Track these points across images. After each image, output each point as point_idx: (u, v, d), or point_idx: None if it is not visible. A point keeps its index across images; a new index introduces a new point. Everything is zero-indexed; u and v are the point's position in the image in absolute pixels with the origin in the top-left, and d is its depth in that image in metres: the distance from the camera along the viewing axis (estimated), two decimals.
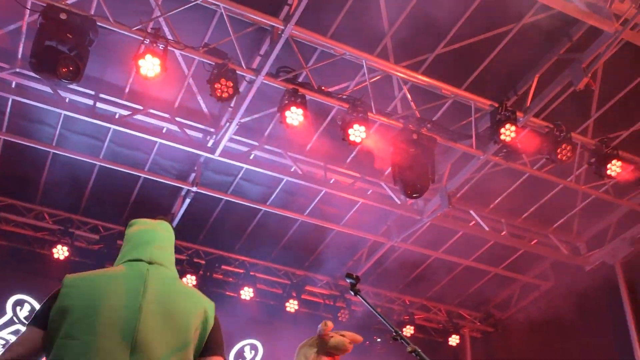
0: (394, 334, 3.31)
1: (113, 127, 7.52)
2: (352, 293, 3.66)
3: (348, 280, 3.64)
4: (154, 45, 6.15)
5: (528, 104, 7.30)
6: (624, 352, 9.07)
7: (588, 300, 9.81)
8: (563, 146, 7.28)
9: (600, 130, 7.84)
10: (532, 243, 9.92)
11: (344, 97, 7.11)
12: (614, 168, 7.54)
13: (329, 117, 7.82)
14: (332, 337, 3.68)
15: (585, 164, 8.08)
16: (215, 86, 6.40)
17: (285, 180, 8.55)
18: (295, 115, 6.72)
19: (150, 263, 2.66)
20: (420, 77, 7.12)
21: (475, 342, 12.04)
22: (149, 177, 8.46)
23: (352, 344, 3.71)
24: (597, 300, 9.80)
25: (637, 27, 6.47)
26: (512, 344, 11.40)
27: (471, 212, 9.29)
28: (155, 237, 2.80)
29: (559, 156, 7.29)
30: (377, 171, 8.65)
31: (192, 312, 2.56)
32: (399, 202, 8.82)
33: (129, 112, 7.53)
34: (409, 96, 7.28)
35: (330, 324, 3.73)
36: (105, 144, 8.08)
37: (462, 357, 11.88)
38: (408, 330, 10.81)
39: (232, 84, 6.43)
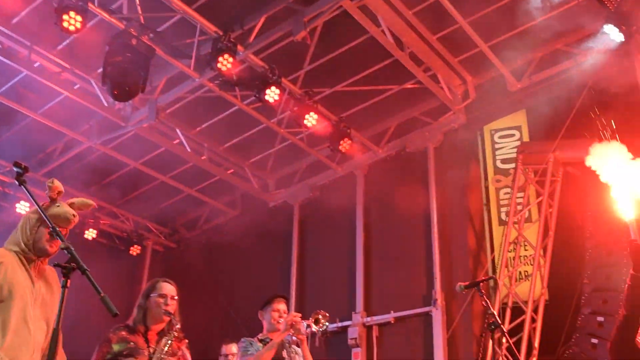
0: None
1: None
2: (17, 183, 3.50)
3: (15, 169, 3.46)
4: None
5: (250, 41, 7.58)
6: (284, 281, 10.14)
7: (267, 233, 10.72)
8: (272, 88, 7.73)
9: (308, 83, 8.50)
10: (228, 172, 10.45)
11: None
12: (311, 120, 8.27)
13: None
14: (56, 205, 3.33)
15: (288, 110, 8.70)
16: None
17: None
18: None
19: None
20: None
21: (157, 255, 12.36)
22: None
23: (77, 217, 3.37)
24: (274, 234, 10.75)
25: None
26: (191, 262, 11.92)
27: (177, 130, 9.40)
28: None
29: (266, 97, 7.74)
30: (88, 67, 8.23)
31: None
32: (105, 104, 8.52)
33: None
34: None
35: (57, 183, 3.33)
36: None
37: (139, 267, 12.08)
38: (90, 234, 10.67)
39: None
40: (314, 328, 4.84)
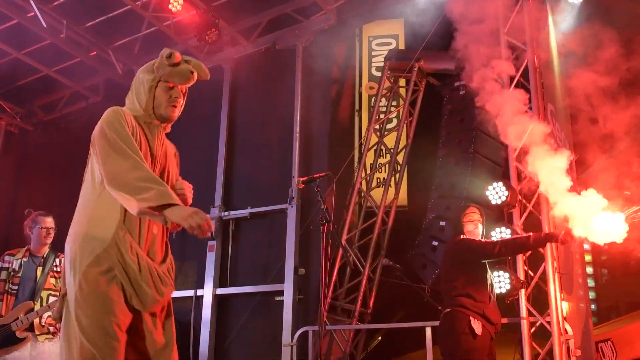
0: None
1: None
2: None
3: None
4: None
5: None
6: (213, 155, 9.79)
7: None
8: None
9: None
10: (91, 55, 9.85)
11: None
12: (176, 5, 7.90)
13: None
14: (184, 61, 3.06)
15: None
16: None
17: None
18: None
19: None
20: None
21: (11, 136, 11.66)
22: None
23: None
24: None
25: None
26: (48, 145, 11.37)
27: (31, 2, 8.63)
28: None
29: None
30: None
31: None
32: None
33: None
34: None
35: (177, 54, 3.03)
36: None
37: None
38: None
39: None
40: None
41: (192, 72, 3.07)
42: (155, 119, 3.09)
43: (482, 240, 5.03)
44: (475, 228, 5.00)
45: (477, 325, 4.63)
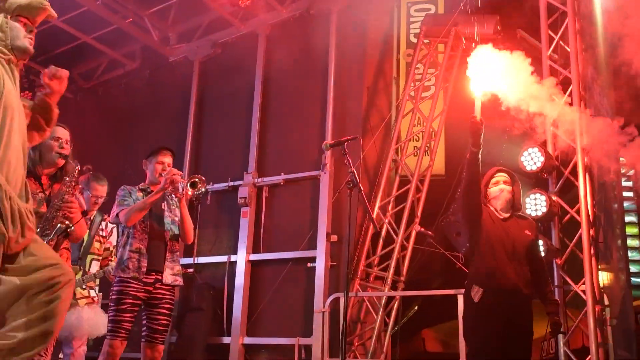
0: None
1: None
2: None
3: None
4: None
5: None
6: (180, 138, 9.99)
7: (166, 88, 10.46)
8: None
9: None
10: (127, 21, 9.89)
11: None
12: None
13: None
14: None
15: None
16: None
17: None
18: None
19: None
20: None
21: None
22: None
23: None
24: (173, 89, 10.48)
25: None
26: (87, 113, 11.47)
27: None
28: None
29: None
30: None
31: None
32: None
33: None
34: None
35: None
36: None
37: None
38: None
39: None
40: (190, 191, 4.82)
41: (42, 4, 3.05)
42: (12, 55, 3.01)
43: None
44: (500, 192, 4.42)
45: (475, 292, 4.19)
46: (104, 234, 5.64)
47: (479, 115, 4.15)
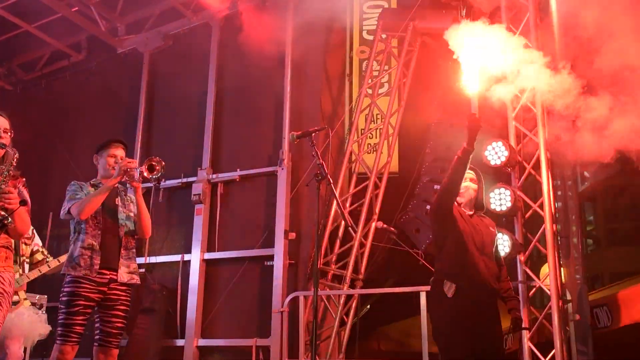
0: None
1: None
2: None
3: None
4: None
5: None
6: (129, 132, 9.59)
7: (114, 81, 10.07)
8: None
9: None
10: (72, 10, 9.43)
11: None
12: None
13: None
14: None
15: None
16: None
17: None
18: None
19: None
20: None
21: None
22: None
23: None
24: (122, 82, 10.10)
25: None
26: (28, 107, 10.96)
27: None
28: None
29: None
30: None
31: None
32: None
33: None
34: None
35: None
36: None
37: None
38: None
39: None
40: (147, 175, 4.56)
41: None
42: None
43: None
44: (466, 190, 4.32)
45: (447, 287, 4.07)
46: (28, 235, 5.44)
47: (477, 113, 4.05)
